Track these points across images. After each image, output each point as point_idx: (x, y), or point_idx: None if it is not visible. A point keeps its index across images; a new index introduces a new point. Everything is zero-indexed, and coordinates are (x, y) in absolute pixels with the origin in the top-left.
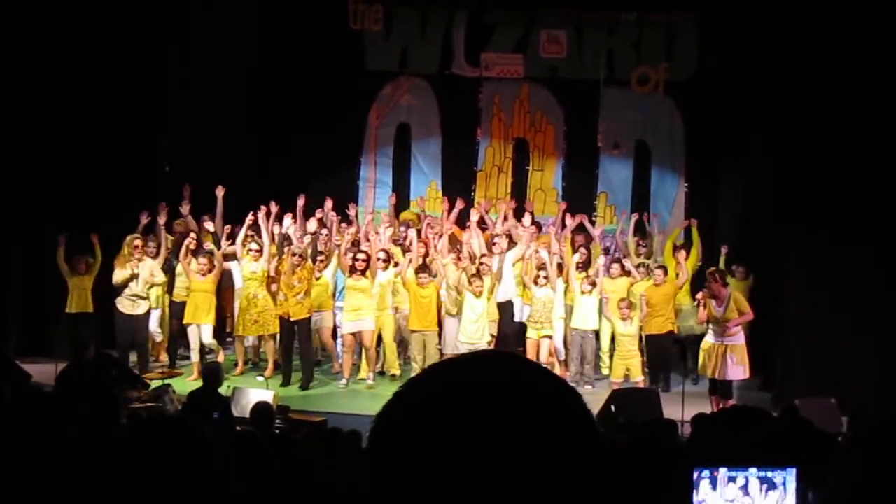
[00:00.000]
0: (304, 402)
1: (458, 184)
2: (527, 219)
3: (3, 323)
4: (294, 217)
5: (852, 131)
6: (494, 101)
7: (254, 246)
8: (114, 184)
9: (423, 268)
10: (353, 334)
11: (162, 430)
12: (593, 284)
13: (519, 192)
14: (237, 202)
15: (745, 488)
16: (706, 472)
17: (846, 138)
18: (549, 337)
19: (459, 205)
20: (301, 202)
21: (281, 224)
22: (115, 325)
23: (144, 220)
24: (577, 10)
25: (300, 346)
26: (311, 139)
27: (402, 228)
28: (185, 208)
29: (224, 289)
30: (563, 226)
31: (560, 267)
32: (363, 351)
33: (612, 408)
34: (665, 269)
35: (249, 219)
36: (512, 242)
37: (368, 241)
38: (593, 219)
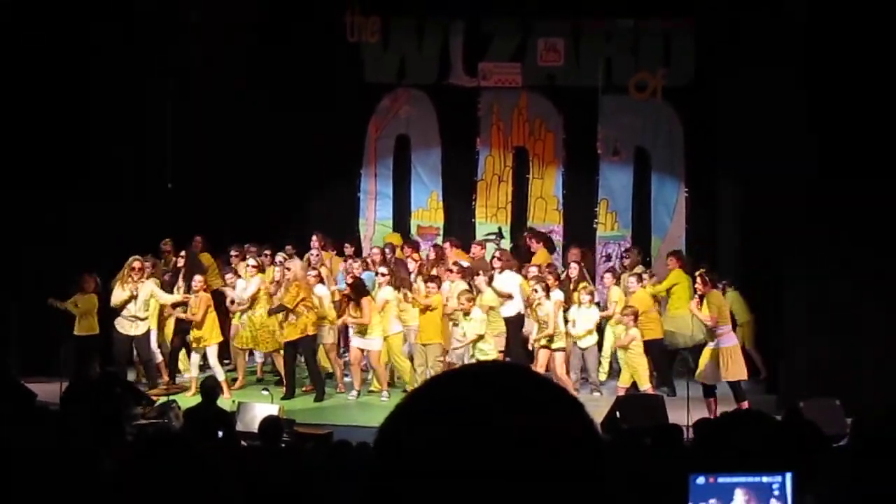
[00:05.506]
0: (312, 415)
1: (459, 194)
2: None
3: (7, 342)
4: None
5: (850, 132)
6: (493, 110)
7: (252, 262)
8: (117, 200)
9: (432, 278)
10: (361, 350)
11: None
12: (591, 295)
13: (519, 201)
14: (237, 218)
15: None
16: (702, 479)
17: (844, 138)
18: (563, 349)
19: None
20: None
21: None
22: (113, 344)
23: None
24: (574, 18)
25: (306, 361)
26: (311, 152)
27: (388, 250)
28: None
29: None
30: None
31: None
32: (372, 370)
33: (617, 414)
34: (638, 276)
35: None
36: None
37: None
38: (595, 225)
